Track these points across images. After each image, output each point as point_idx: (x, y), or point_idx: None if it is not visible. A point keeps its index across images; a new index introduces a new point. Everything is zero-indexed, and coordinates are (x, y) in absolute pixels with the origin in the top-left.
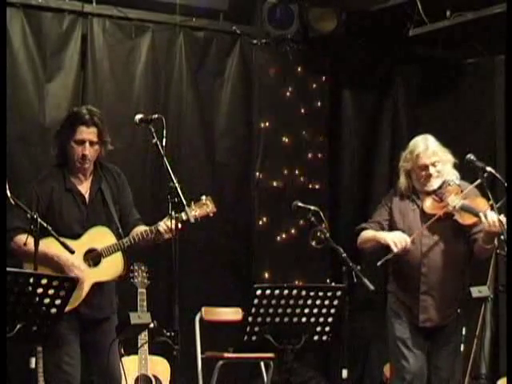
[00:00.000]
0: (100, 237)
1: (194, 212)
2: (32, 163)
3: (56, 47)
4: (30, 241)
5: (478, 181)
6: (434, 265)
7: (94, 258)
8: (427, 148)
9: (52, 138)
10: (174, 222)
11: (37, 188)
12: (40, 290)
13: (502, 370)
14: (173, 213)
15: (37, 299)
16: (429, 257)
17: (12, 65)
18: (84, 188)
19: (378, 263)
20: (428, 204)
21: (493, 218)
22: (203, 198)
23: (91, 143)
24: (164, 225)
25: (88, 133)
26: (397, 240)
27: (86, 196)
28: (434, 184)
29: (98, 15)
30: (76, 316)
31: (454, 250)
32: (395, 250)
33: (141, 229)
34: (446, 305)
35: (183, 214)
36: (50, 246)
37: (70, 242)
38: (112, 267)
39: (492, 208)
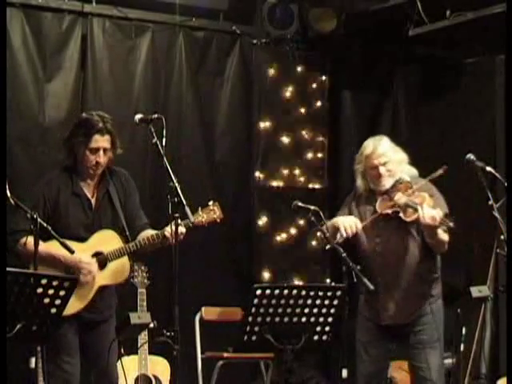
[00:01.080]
0: (107, 240)
1: (201, 218)
2: (32, 163)
3: (56, 47)
4: (33, 242)
5: (435, 174)
6: (388, 263)
7: (100, 261)
8: (376, 148)
9: (62, 143)
10: (178, 227)
11: (44, 189)
12: (40, 290)
13: (501, 370)
14: (178, 220)
15: (37, 299)
16: (382, 255)
17: (12, 65)
18: (91, 193)
19: (327, 247)
20: (379, 204)
21: (426, 211)
22: (210, 203)
23: (105, 150)
24: (170, 229)
25: (103, 141)
26: (347, 224)
27: (93, 201)
28: (386, 183)
29: (97, 15)
30: (75, 318)
31: (407, 248)
32: (344, 234)
33: (147, 233)
34: (410, 302)
35: (189, 219)
36: (56, 247)
37: (75, 245)
38: (119, 272)
39: (490, 206)
